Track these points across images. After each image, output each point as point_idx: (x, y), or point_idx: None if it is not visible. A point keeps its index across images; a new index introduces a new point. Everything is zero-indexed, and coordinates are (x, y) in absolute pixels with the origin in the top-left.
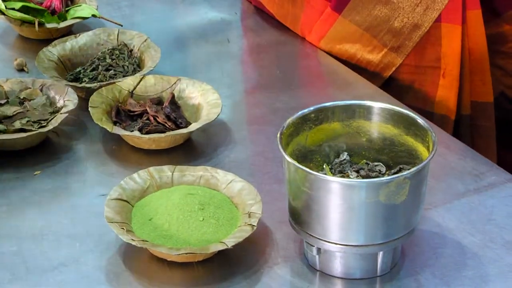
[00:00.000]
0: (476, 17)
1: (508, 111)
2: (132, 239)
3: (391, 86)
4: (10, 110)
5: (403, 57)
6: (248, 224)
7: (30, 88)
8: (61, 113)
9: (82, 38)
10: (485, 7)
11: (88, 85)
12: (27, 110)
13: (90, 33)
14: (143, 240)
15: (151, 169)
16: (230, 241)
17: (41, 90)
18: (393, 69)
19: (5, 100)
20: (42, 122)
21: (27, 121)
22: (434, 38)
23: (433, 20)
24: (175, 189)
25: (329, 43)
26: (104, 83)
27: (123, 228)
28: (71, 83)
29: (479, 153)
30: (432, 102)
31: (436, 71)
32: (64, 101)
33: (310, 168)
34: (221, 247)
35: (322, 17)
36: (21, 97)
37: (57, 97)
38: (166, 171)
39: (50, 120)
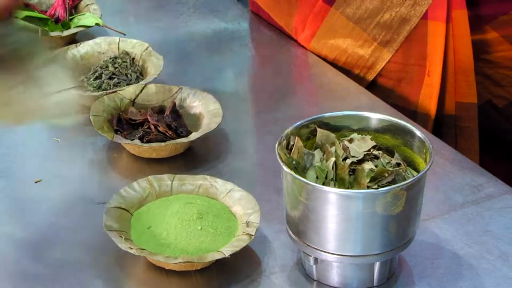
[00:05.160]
0: (461, 17)
1: (494, 120)
2: (130, 247)
3: (378, 83)
4: None
5: (392, 52)
6: (246, 234)
7: None
8: None
9: (83, 47)
10: (472, 12)
11: (94, 94)
12: None
13: (90, 42)
14: (141, 249)
15: (151, 177)
16: (227, 250)
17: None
18: (383, 64)
19: None
20: None
21: None
22: (420, 35)
23: (421, 14)
24: (174, 198)
25: (322, 38)
26: (110, 91)
27: (121, 236)
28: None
29: (462, 154)
30: (417, 101)
31: (422, 69)
32: None
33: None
34: (218, 256)
35: (314, 10)
36: None
37: None
38: (166, 179)
39: None
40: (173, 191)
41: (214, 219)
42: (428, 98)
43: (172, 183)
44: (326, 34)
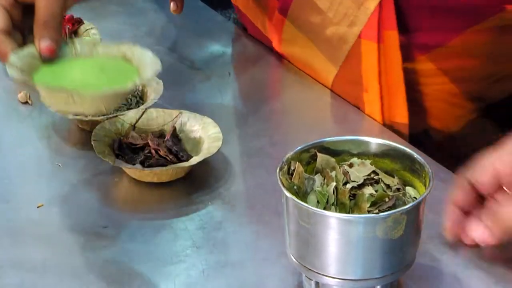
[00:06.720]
0: (392, 38)
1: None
2: (26, 79)
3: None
4: None
5: (337, 67)
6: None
7: None
8: None
9: None
10: (406, 39)
11: (94, 119)
12: None
13: None
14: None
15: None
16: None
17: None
18: (331, 79)
19: None
20: None
21: None
22: (357, 53)
23: (356, 35)
24: (88, 58)
25: (287, 47)
26: (111, 116)
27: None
28: (77, 117)
29: None
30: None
31: (360, 87)
32: None
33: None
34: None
35: (273, 20)
36: None
37: None
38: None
39: None
40: (93, 54)
41: (115, 72)
42: (372, 115)
43: (95, 47)
44: (289, 43)
